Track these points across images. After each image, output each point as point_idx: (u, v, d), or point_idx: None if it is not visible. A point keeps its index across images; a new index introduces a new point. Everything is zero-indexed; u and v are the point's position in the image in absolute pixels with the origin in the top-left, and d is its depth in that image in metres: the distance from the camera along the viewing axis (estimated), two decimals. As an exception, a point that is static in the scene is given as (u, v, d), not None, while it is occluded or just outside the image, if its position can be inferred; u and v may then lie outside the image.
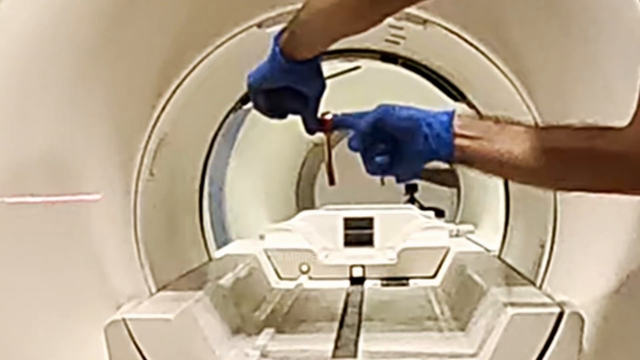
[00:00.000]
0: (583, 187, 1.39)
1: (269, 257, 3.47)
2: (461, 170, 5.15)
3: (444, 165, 1.44)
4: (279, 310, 2.88)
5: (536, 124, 1.41)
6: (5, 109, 1.82)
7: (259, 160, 4.95)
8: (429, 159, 1.38)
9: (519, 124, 1.36)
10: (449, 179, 5.44)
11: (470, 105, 2.97)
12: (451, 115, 1.36)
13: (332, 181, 1.56)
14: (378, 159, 1.40)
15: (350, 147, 1.45)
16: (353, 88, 4.43)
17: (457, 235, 3.82)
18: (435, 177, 5.49)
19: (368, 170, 1.44)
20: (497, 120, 1.36)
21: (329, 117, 1.50)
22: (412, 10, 2.33)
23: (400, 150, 1.38)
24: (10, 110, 1.83)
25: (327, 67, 3.14)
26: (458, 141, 1.33)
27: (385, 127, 1.39)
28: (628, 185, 1.28)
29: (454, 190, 5.47)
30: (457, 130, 1.34)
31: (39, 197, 1.89)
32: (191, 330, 2.14)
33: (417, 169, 1.40)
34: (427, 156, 1.37)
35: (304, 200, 6.01)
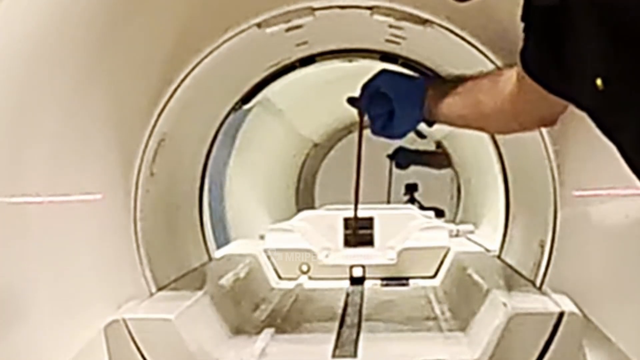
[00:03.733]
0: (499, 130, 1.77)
1: (269, 257, 3.47)
2: (460, 169, 5.18)
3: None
4: (279, 310, 2.89)
5: (474, 76, 1.58)
6: (6, 109, 1.82)
7: (259, 160, 4.95)
8: (413, 122, 1.61)
9: (470, 77, 1.58)
10: (437, 162, 5.51)
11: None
12: (423, 81, 1.60)
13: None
14: (378, 118, 1.62)
15: (359, 107, 1.67)
16: (352, 88, 4.45)
17: (457, 235, 3.82)
18: (426, 160, 5.57)
19: (373, 131, 1.65)
20: (457, 79, 1.58)
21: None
22: (412, 10, 2.34)
23: (394, 111, 1.60)
24: (10, 111, 1.83)
25: (330, 67, 3.19)
26: (427, 104, 1.57)
27: (380, 90, 1.62)
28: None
29: (454, 190, 5.49)
30: (428, 94, 1.57)
31: (39, 197, 1.88)
32: (191, 330, 2.14)
33: (409, 127, 1.62)
34: (411, 118, 1.61)
35: (304, 200, 6.01)
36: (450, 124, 1.66)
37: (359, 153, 1.84)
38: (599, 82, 1.06)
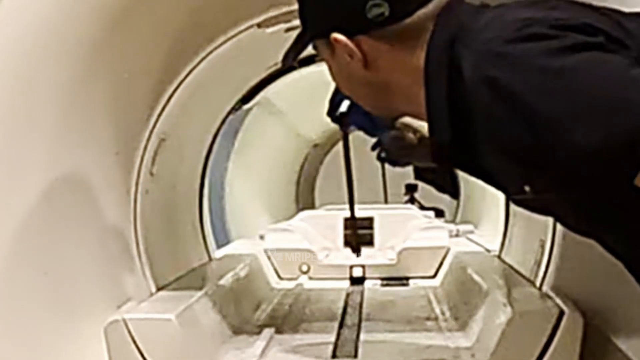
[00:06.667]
0: None
1: (269, 257, 3.49)
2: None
3: None
4: (279, 310, 2.91)
5: None
6: (8, 109, 1.83)
7: (259, 160, 4.98)
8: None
9: None
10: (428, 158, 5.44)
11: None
12: None
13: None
14: (361, 120, 1.72)
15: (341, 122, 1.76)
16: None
17: (457, 235, 3.83)
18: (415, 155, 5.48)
19: (367, 133, 1.77)
20: None
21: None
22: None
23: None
24: (12, 111, 1.84)
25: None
26: None
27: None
28: None
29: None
30: None
31: (39, 195, 1.88)
32: (191, 330, 2.15)
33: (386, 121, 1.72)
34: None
35: (304, 200, 6.03)
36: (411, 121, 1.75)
37: (347, 167, 1.89)
38: (527, 188, 1.13)
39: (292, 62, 1.42)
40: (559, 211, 1.20)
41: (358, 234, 1.93)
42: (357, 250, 1.93)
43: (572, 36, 1.06)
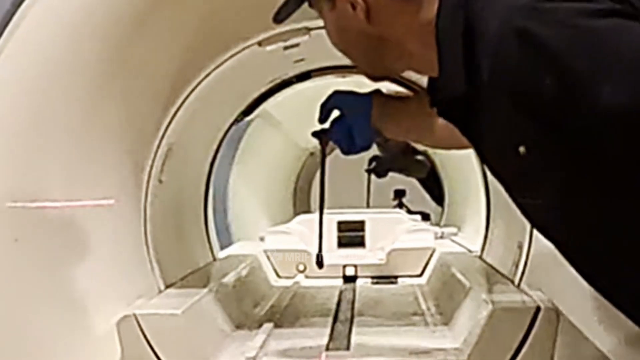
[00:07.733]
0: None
1: (268, 257, 3.57)
2: (445, 175, 5.18)
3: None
4: (277, 306, 2.99)
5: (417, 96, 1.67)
6: (28, 122, 1.89)
7: (260, 168, 5.01)
8: (369, 133, 1.63)
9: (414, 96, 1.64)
10: (415, 167, 5.36)
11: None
12: (371, 95, 1.61)
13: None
14: (341, 139, 1.66)
15: (321, 138, 1.74)
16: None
17: (442, 237, 3.90)
18: (402, 165, 5.36)
19: (343, 152, 1.70)
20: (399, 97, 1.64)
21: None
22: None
23: (352, 128, 1.63)
24: (31, 124, 1.90)
25: (325, 82, 3.20)
26: (374, 116, 1.59)
27: (334, 108, 1.66)
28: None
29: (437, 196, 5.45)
30: (374, 111, 1.59)
31: (57, 202, 1.97)
32: (197, 324, 2.25)
33: (367, 139, 1.65)
34: (367, 130, 1.63)
35: (301, 204, 6.01)
36: (397, 136, 1.71)
37: (322, 180, 1.91)
38: (521, 149, 1.11)
39: (285, 18, 1.36)
40: (537, 186, 1.15)
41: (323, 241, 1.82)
42: (320, 262, 1.89)
43: (602, 1, 1.05)
